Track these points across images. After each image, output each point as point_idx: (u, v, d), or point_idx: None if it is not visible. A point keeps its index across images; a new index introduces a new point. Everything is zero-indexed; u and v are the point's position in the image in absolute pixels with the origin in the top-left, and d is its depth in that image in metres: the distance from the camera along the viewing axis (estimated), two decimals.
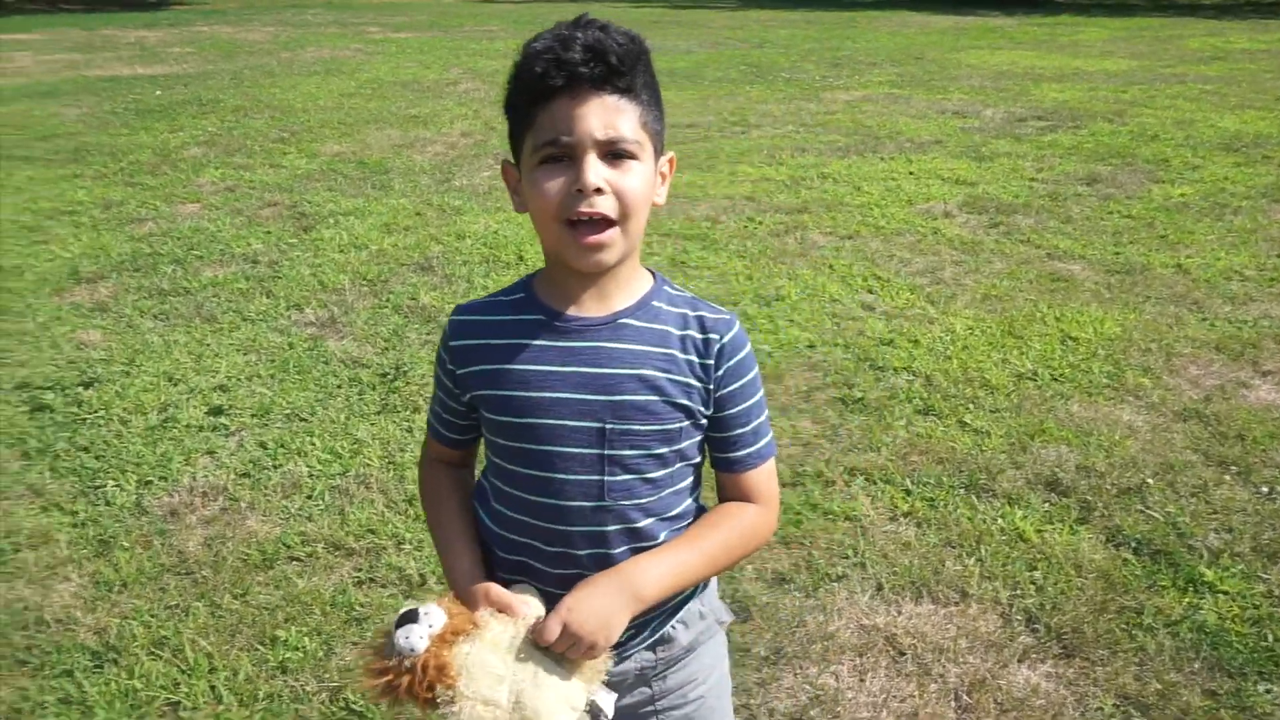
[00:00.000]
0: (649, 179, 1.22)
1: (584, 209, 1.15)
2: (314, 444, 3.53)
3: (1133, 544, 2.89)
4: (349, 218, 6.28)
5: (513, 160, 1.28)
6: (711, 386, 1.28)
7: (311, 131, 8.97)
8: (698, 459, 1.33)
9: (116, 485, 3.28)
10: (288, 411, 3.78)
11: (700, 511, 1.36)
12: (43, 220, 6.25)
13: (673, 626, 1.37)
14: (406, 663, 1.08)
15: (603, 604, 1.19)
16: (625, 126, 1.17)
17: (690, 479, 1.33)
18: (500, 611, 1.19)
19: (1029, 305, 4.75)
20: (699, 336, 1.27)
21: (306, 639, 2.56)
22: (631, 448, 1.25)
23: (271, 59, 14.17)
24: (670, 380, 1.25)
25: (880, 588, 2.73)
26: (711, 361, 1.27)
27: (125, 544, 2.97)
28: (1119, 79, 11.45)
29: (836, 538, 2.95)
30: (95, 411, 3.77)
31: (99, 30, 18.20)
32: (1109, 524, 2.99)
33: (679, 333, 1.27)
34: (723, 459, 1.34)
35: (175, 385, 3.99)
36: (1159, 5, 22.47)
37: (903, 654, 2.48)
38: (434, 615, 1.11)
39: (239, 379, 4.05)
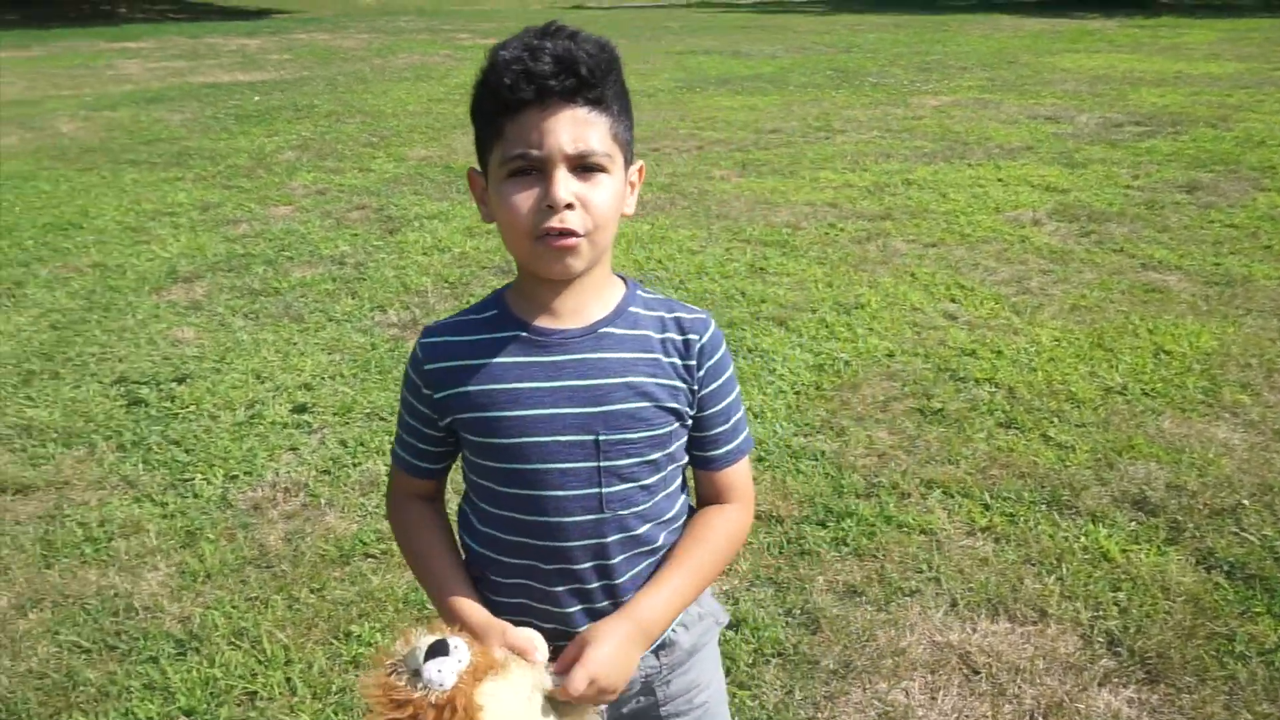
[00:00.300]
0: (619, 191, 1.20)
1: (553, 224, 1.13)
2: (392, 443, 3.60)
3: (1225, 567, 2.76)
4: (433, 221, 6.40)
5: (479, 168, 1.25)
6: (695, 387, 1.28)
7: (400, 136, 9.18)
8: (685, 459, 1.34)
9: (204, 479, 3.40)
10: (368, 410, 3.86)
11: (690, 511, 1.37)
12: (145, 221, 6.52)
13: (674, 630, 1.36)
14: (433, 697, 1.02)
15: (621, 653, 1.18)
16: (595, 139, 1.15)
17: (679, 479, 1.34)
18: (517, 654, 1.15)
19: (1120, 317, 4.59)
20: (678, 338, 1.27)
21: (379, 635, 2.61)
22: (626, 456, 1.24)
23: (364, 65, 14.54)
24: (658, 385, 1.24)
25: (955, 604, 2.67)
26: (693, 362, 1.27)
27: (210, 536, 3.07)
28: (1224, 82, 11.00)
29: (911, 551, 2.89)
30: (187, 406, 3.91)
31: (203, 39, 18.93)
32: (1200, 546, 2.86)
33: (659, 336, 1.26)
34: (702, 457, 1.34)
35: (263, 383, 4.12)
36: (1269, 5, 21.55)
37: (976, 673, 2.41)
38: (461, 650, 1.06)
39: (323, 378, 4.15)
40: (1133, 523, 3.00)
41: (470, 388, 1.24)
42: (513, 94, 1.11)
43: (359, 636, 2.60)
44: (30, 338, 4.61)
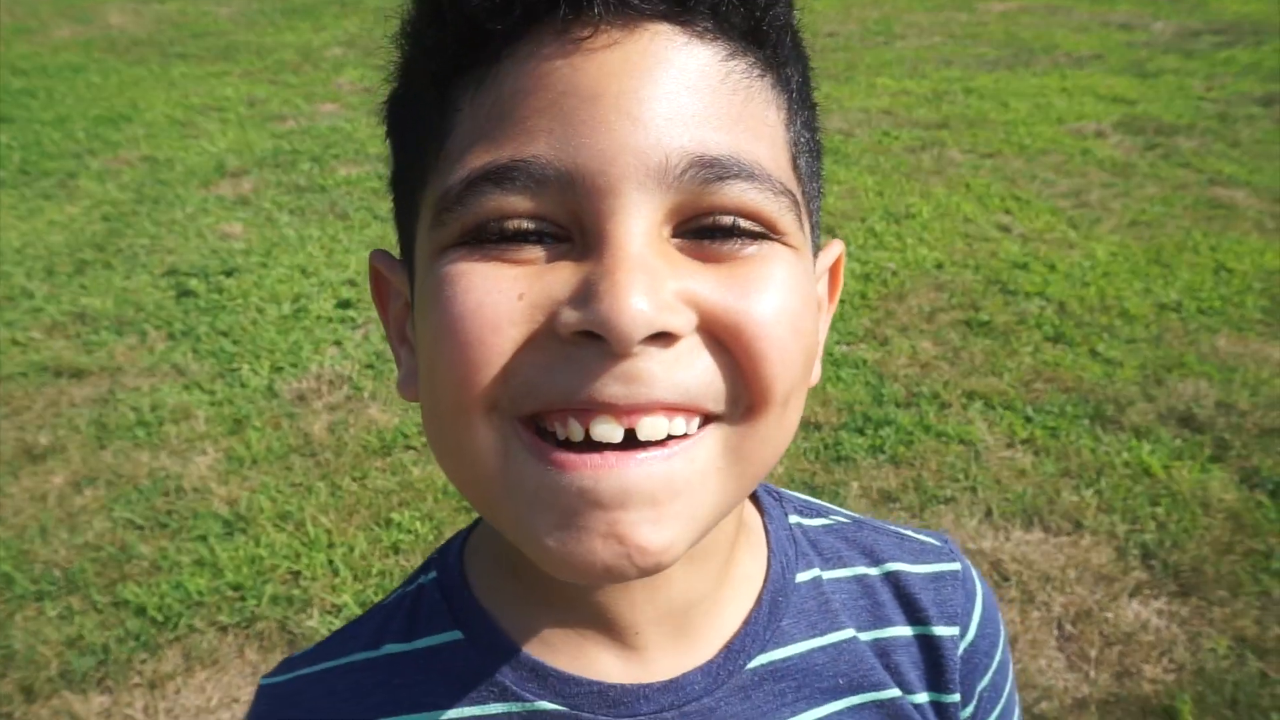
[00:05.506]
0: (808, 294, 0.50)
1: (609, 395, 0.44)
2: None
3: (1270, 486, 2.71)
4: None
5: (399, 254, 0.57)
6: None
7: None
8: None
9: (251, 369, 3.46)
10: None
11: None
12: (194, 115, 6.54)
13: None
14: None
15: None
16: (750, 142, 0.47)
17: None
18: None
19: (1181, 233, 4.44)
20: (908, 634, 0.62)
21: (419, 523, 2.67)
22: None
23: None
24: None
25: (990, 513, 2.66)
26: (956, 696, 0.62)
27: (257, 424, 3.15)
28: None
29: (948, 460, 2.88)
30: (234, 299, 3.97)
31: None
32: (1245, 464, 2.81)
33: (870, 637, 0.61)
34: None
35: (308, 278, 4.16)
36: None
37: (1006, 579, 2.42)
38: None
39: (367, 275, 4.17)
40: (1177, 439, 2.95)
41: None
42: None
43: (399, 524, 2.67)
44: (83, 228, 4.68)
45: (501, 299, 0.44)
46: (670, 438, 0.45)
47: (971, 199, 4.90)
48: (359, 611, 2.38)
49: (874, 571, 0.62)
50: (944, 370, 3.36)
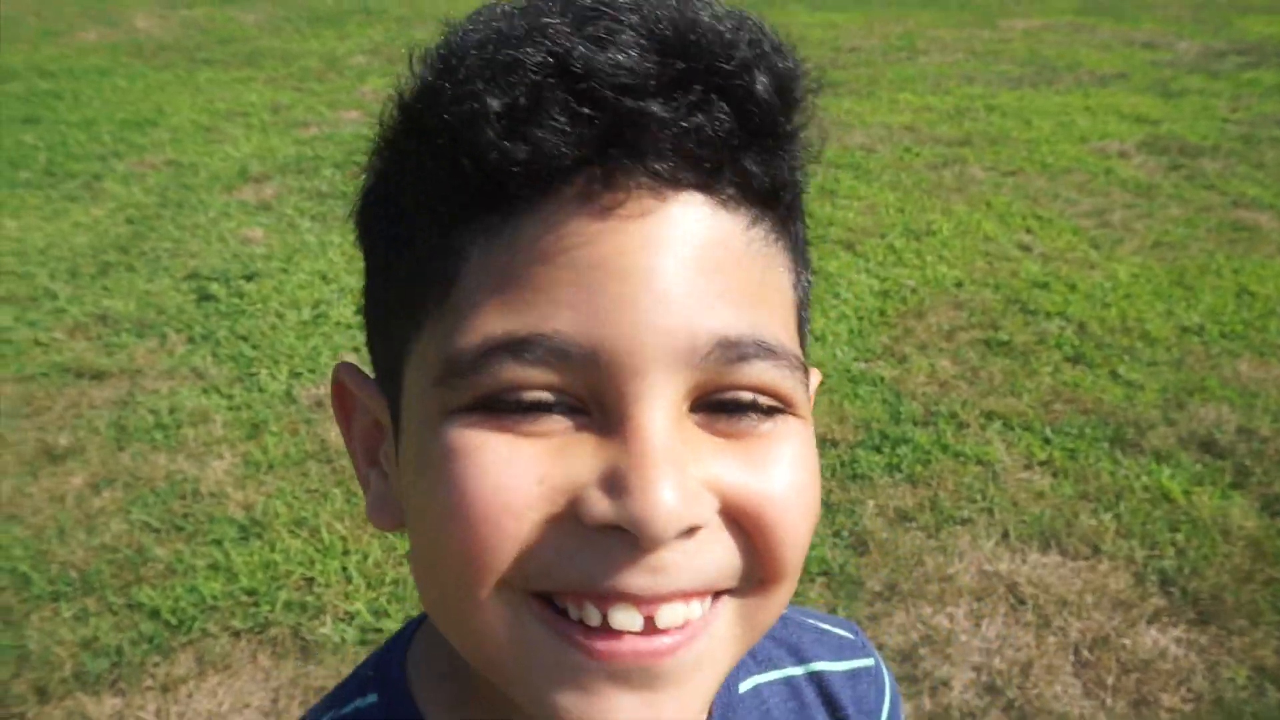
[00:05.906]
0: (815, 464, 0.50)
1: (633, 588, 0.43)
2: None
3: None
4: None
5: (372, 369, 0.56)
6: None
7: None
8: None
9: (269, 374, 3.48)
10: None
11: None
12: (218, 120, 6.59)
13: None
14: None
15: None
16: (768, 318, 0.47)
17: None
18: None
19: (1204, 255, 4.41)
20: None
21: None
22: None
23: None
24: None
25: (1006, 535, 2.64)
26: None
27: (274, 429, 3.16)
28: None
29: (965, 480, 2.86)
30: (255, 304, 3.99)
31: None
32: (1266, 491, 2.78)
33: None
34: None
35: (328, 284, 4.18)
36: None
37: (1023, 603, 2.40)
38: None
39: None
40: (1198, 464, 2.92)
41: None
42: (514, 153, 0.43)
43: None
44: (107, 230, 4.72)
45: (520, 483, 0.43)
46: (687, 621, 0.45)
47: (993, 217, 4.88)
48: (372, 619, 2.39)
49: (799, 671, 0.66)
50: (962, 389, 3.34)
